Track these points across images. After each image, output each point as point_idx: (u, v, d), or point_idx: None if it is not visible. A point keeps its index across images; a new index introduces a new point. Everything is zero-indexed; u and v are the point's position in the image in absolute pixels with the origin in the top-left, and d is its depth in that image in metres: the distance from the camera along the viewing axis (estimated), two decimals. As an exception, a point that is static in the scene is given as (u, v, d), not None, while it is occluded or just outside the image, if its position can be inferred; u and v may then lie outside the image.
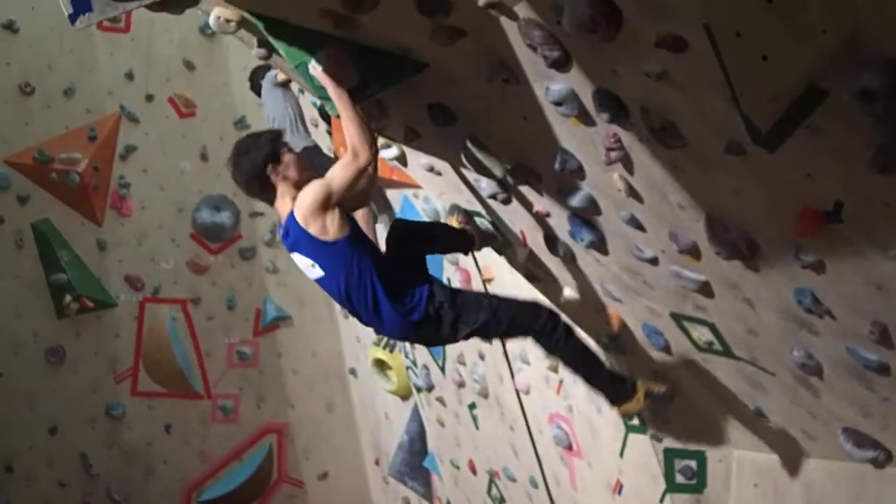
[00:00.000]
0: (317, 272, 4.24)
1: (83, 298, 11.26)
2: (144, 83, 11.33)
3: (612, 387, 4.76)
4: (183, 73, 11.47)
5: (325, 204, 4.03)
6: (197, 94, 11.51)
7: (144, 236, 11.58)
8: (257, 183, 4.22)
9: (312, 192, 4.04)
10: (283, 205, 4.23)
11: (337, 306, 11.77)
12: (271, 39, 4.28)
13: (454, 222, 5.41)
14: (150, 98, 11.35)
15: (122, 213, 11.47)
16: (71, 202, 11.16)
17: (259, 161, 4.15)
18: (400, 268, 4.40)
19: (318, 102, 5.55)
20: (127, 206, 11.48)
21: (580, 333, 4.79)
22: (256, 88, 7.91)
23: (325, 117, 7.67)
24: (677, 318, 4.66)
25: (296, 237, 4.15)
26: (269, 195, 4.28)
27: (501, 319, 4.43)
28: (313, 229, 4.06)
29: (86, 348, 11.45)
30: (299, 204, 4.06)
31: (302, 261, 4.25)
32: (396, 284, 4.27)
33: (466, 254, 5.76)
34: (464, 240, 5.31)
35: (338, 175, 4.07)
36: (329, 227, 4.08)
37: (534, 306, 4.65)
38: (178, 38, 11.25)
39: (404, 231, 4.84)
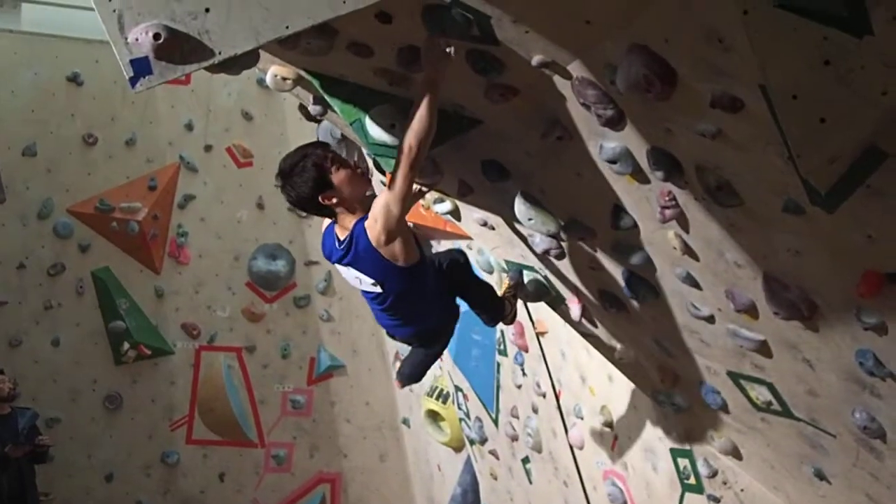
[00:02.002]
0: (374, 288, 4.15)
1: (141, 346, 11.38)
2: (203, 134, 11.54)
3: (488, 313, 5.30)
4: (241, 124, 11.68)
5: (400, 221, 3.82)
6: (254, 144, 11.69)
7: (201, 284, 11.71)
8: (312, 208, 4.02)
9: (385, 208, 3.77)
10: (344, 220, 4.04)
11: (390, 356, 11.85)
12: (327, 97, 4.32)
13: (505, 284, 5.44)
14: (208, 148, 11.56)
15: (179, 262, 11.62)
16: (130, 251, 11.34)
17: (307, 190, 3.90)
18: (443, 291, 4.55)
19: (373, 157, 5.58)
20: (184, 254, 11.63)
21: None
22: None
23: (381, 170, 7.71)
24: (735, 377, 4.57)
25: (362, 250, 3.96)
26: (328, 214, 4.09)
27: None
28: (386, 251, 3.91)
29: (143, 395, 11.55)
30: (377, 221, 3.82)
31: (356, 275, 4.11)
32: (437, 307, 4.49)
33: (495, 324, 5.80)
34: (502, 310, 5.36)
35: (398, 186, 3.70)
36: (399, 252, 3.94)
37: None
38: (236, 90, 11.49)
39: (460, 270, 4.86)
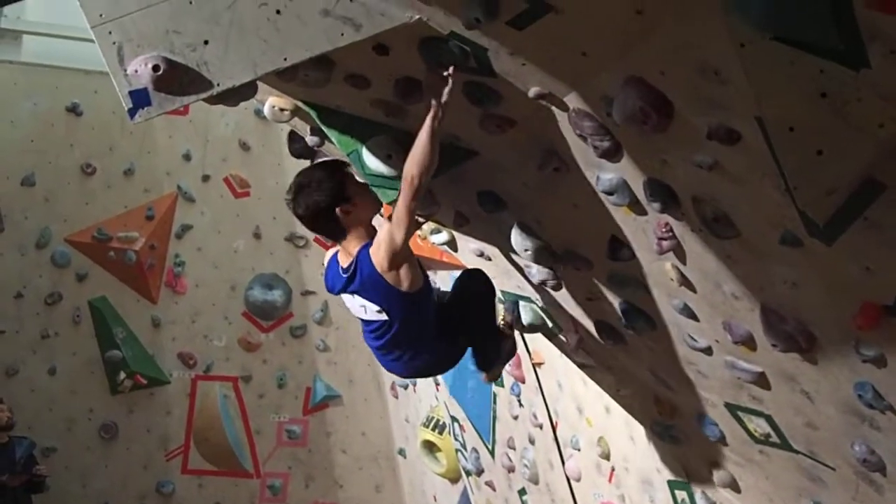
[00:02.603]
0: (379, 316, 4.12)
1: (137, 375, 11.36)
2: (201, 164, 11.58)
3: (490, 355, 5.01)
4: (238, 154, 11.71)
5: (403, 249, 3.83)
6: (251, 175, 11.72)
7: (198, 314, 11.70)
8: (323, 223, 4.05)
9: (390, 235, 3.78)
10: (350, 244, 4.05)
11: (387, 386, 11.81)
12: (324, 128, 4.33)
13: (500, 316, 5.38)
14: (206, 178, 11.59)
15: (176, 291, 11.61)
16: (127, 280, 11.34)
17: (326, 201, 3.93)
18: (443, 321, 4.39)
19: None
20: (181, 283, 11.63)
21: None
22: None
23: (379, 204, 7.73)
24: (733, 408, 4.55)
25: (367, 277, 3.95)
26: (335, 234, 4.09)
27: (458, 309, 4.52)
28: (390, 277, 3.91)
29: (138, 425, 11.50)
30: (381, 247, 3.83)
31: (362, 303, 4.10)
32: (438, 336, 4.33)
33: (488, 367, 5.24)
34: (499, 350, 5.16)
35: (401, 213, 3.73)
36: (404, 279, 3.93)
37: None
38: (234, 120, 11.53)
39: (479, 301, 4.77)
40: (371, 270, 3.93)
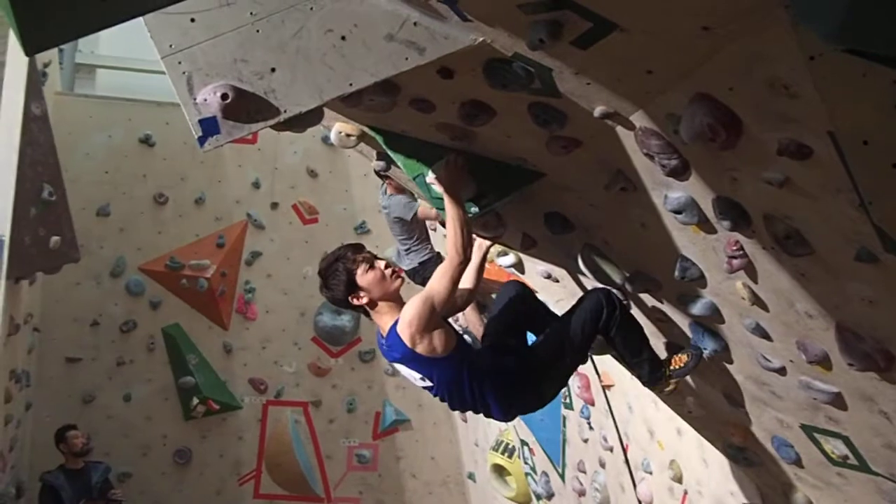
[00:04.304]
0: (425, 383, 4.22)
1: (209, 401, 11.51)
2: (270, 191, 11.76)
3: (650, 371, 4.61)
4: (306, 181, 11.87)
5: (431, 320, 3.97)
6: (319, 201, 11.87)
7: (268, 340, 11.83)
8: (348, 307, 4.21)
9: (417, 310, 3.95)
10: (381, 319, 4.18)
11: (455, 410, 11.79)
12: (390, 152, 4.37)
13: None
14: (275, 206, 11.77)
15: (247, 318, 11.77)
16: (199, 307, 11.52)
17: (340, 294, 4.11)
18: (497, 357, 4.36)
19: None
20: (252, 310, 11.78)
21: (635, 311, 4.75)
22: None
23: (444, 224, 7.78)
24: (808, 430, 4.45)
25: (402, 354, 4.07)
26: (364, 313, 4.24)
27: (575, 338, 4.40)
28: (421, 348, 4.01)
29: (211, 450, 11.65)
30: (405, 323, 3.98)
31: (409, 373, 4.21)
32: (498, 376, 4.27)
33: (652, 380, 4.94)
34: (652, 357, 4.79)
35: (436, 285, 4.00)
36: (437, 345, 4.02)
37: (595, 302, 4.46)
38: (301, 147, 11.71)
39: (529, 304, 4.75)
40: (404, 348, 4.03)
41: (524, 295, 4.74)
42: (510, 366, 4.31)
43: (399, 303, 4.15)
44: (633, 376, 4.80)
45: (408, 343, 4.00)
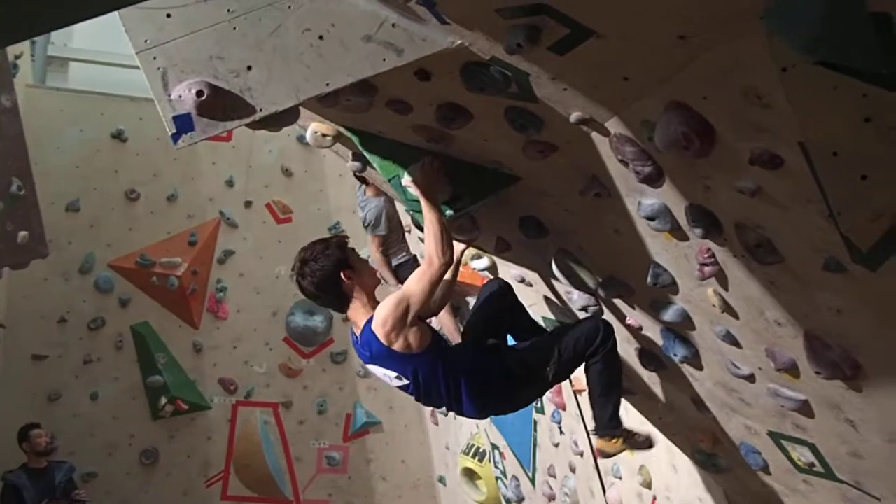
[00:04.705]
0: (401, 381, 4.20)
1: (178, 401, 11.43)
2: (244, 190, 11.71)
3: (610, 418, 4.65)
4: (281, 180, 11.84)
5: (405, 318, 3.97)
6: (294, 201, 11.83)
7: (239, 340, 11.78)
8: (330, 290, 4.13)
9: (392, 308, 3.95)
10: (356, 314, 4.16)
11: (427, 413, 11.79)
12: (366, 153, 4.37)
13: None
14: (248, 204, 11.72)
15: (218, 317, 11.71)
16: (169, 305, 11.45)
17: (330, 267, 4.07)
18: (478, 354, 4.39)
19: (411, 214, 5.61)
20: (223, 309, 11.72)
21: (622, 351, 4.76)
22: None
23: (419, 226, 7.78)
24: (776, 437, 4.49)
25: (377, 352, 4.07)
26: (341, 303, 4.19)
27: (565, 352, 4.42)
28: (398, 346, 4.01)
29: (179, 451, 11.56)
30: (379, 321, 3.98)
31: (383, 372, 4.19)
32: (476, 374, 4.28)
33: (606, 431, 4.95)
34: (616, 409, 4.84)
35: (414, 286, 4.00)
36: (412, 342, 4.03)
37: (593, 326, 4.54)
38: (277, 146, 11.68)
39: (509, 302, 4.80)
40: (379, 345, 4.04)
41: (505, 293, 4.77)
42: (491, 365, 4.32)
43: (374, 301, 4.15)
44: (591, 417, 4.78)
45: (383, 341, 4.00)
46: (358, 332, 4.17)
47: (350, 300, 4.15)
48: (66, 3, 1.90)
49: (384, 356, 4.08)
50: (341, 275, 4.08)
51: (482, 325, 4.63)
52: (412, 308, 3.98)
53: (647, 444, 5.02)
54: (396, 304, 3.95)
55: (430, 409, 11.45)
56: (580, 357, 4.49)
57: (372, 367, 4.23)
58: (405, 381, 4.20)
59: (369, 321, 4.06)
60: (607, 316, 4.89)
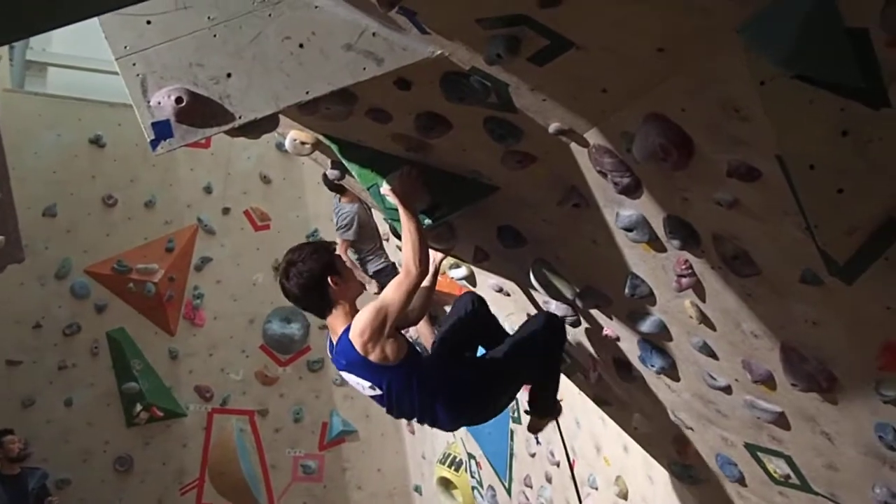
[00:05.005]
0: (374, 392, 4.17)
1: (153, 408, 11.37)
2: (222, 196, 11.67)
3: (552, 402, 4.95)
4: (259, 187, 11.82)
5: (383, 329, 3.94)
6: (272, 208, 11.81)
7: (215, 347, 11.73)
8: (314, 293, 4.10)
9: (369, 318, 3.92)
10: (336, 321, 4.14)
11: (403, 422, 11.77)
12: (345, 161, 4.36)
13: None
14: (226, 211, 11.69)
15: (194, 324, 11.66)
16: (146, 312, 11.39)
17: (318, 270, 4.05)
18: (452, 367, 4.39)
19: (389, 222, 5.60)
20: (200, 316, 11.67)
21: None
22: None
23: (397, 235, 7.78)
24: (752, 449, 4.50)
25: (352, 360, 4.05)
26: (323, 307, 4.16)
27: (528, 353, 4.51)
28: (374, 356, 3.98)
29: (154, 458, 11.50)
30: (357, 330, 3.95)
31: (356, 380, 4.16)
32: (451, 386, 4.27)
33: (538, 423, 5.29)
34: (555, 396, 5.10)
35: (391, 295, 3.97)
36: (389, 353, 4.00)
37: (548, 319, 4.68)
38: (255, 153, 11.66)
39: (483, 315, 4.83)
40: (355, 355, 4.01)
41: (478, 306, 4.78)
42: (465, 377, 4.32)
43: (354, 309, 4.13)
44: (534, 398, 4.95)
45: (360, 350, 3.97)
46: (335, 339, 4.15)
47: (332, 306, 4.12)
48: (44, 9, 1.89)
49: (359, 365, 4.06)
50: (328, 279, 4.06)
51: (455, 337, 4.63)
52: (390, 317, 3.95)
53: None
54: (375, 314, 3.93)
55: (407, 417, 11.44)
56: (542, 353, 4.58)
57: (346, 375, 4.21)
58: (378, 392, 4.17)
59: (347, 329, 4.03)
60: (581, 329, 4.91)
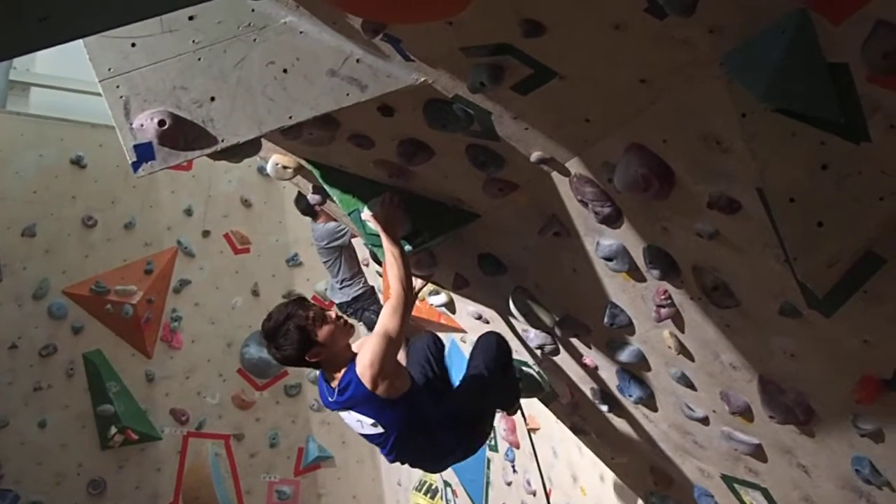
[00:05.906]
0: (375, 429, 4.04)
1: (128, 430, 11.23)
2: (202, 219, 11.61)
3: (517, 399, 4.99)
4: (240, 211, 11.77)
5: (392, 359, 3.84)
6: (252, 231, 11.76)
7: (192, 370, 11.63)
8: (303, 364, 3.94)
9: (377, 349, 3.80)
10: (333, 367, 3.98)
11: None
12: (326, 186, 4.36)
13: None
14: (206, 234, 11.62)
15: (172, 346, 11.56)
16: (123, 334, 11.28)
17: (292, 354, 3.84)
18: (441, 403, 4.28)
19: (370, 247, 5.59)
20: (177, 339, 11.58)
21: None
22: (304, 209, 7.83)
23: (377, 260, 7.76)
24: (729, 480, 4.50)
25: (356, 395, 3.89)
26: (316, 367, 4.01)
27: (491, 379, 4.44)
28: (381, 389, 3.85)
29: (127, 481, 11.34)
30: (366, 362, 3.80)
31: (357, 418, 4.02)
32: (441, 421, 4.17)
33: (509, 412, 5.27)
34: (517, 388, 5.08)
35: (389, 322, 3.86)
36: (398, 385, 3.91)
37: (496, 340, 4.63)
38: (237, 177, 11.62)
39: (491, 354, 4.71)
40: (364, 391, 3.86)
41: (441, 347, 4.76)
42: (454, 411, 4.24)
43: (349, 355, 3.96)
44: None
45: (368, 385, 3.83)
46: (337, 378, 3.97)
47: (324, 365, 3.98)
48: (28, 31, 1.88)
49: (364, 401, 3.91)
50: (307, 358, 3.87)
51: (431, 374, 4.56)
52: (395, 344, 3.85)
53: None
54: (385, 346, 3.80)
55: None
56: (505, 367, 4.57)
57: (345, 414, 4.06)
58: (379, 430, 4.03)
59: (350, 368, 3.90)
60: (563, 355, 4.90)
